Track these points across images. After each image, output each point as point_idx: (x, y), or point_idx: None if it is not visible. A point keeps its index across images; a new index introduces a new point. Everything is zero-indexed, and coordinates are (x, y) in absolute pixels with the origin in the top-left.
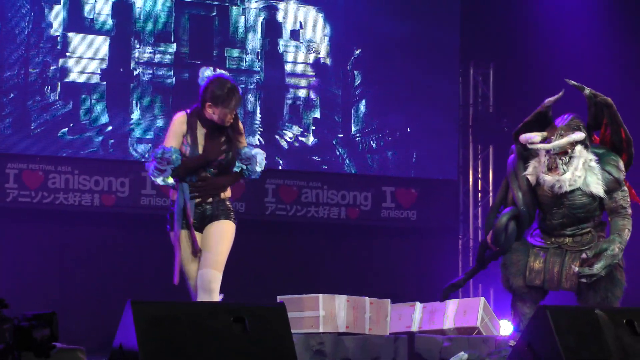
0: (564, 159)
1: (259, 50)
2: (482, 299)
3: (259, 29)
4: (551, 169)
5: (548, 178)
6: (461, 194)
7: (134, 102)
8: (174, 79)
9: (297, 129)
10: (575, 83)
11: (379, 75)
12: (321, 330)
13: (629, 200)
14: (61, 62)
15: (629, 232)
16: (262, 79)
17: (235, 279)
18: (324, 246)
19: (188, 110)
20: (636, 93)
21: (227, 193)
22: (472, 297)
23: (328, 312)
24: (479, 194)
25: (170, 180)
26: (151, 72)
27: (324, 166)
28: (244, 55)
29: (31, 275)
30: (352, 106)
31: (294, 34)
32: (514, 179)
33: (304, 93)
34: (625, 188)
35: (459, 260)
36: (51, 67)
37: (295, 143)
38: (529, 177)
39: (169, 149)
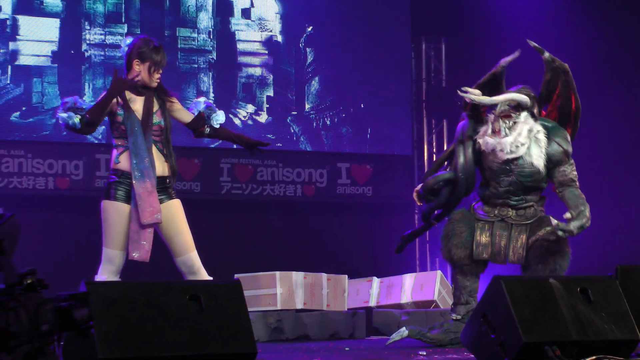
0: (508, 122)
1: (211, 30)
2: (439, 272)
3: (210, 8)
4: (495, 132)
5: (490, 140)
6: (416, 168)
7: (86, 84)
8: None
9: (250, 108)
10: (536, 45)
11: (332, 52)
12: (279, 307)
13: (576, 174)
14: (11, 45)
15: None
16: (215, 58)
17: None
18: (281, 224)
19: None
20: (588, 65)
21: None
22: (429, 270)
23: (285, 290)
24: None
25: (77, 120)
26: (102, 53)
27: (278, 144)
28: (195, 35)
29: None
30: (305, 83)
31: (245, 13)
32: (459, 145)
33: (257, 71)
34: (573, 162)
35: None
36: (1, 51)
37: (250, 122)
38: (478, 140)
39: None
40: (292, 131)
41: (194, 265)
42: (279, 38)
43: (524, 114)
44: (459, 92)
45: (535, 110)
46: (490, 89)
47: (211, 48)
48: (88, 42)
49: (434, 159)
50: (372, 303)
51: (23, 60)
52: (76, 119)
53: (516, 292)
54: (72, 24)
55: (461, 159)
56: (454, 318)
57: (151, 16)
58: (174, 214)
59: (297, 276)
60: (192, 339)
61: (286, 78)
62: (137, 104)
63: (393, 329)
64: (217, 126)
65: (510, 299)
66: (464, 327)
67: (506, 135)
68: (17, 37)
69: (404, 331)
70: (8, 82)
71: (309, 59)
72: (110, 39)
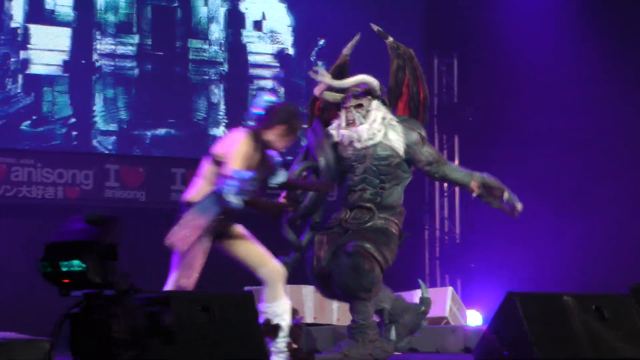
0: (361, 111)
1: (222, 41)
2: (450, 288)
3: (221, 19)
4: (349, 123)
5: (346, 132)
6: (427, 184)
7: (97, 94)
8: (136, 70)
9: None
10: (380, 29)
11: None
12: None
13: (433, 150)
14: (22, 54)
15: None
16: (226, 70)
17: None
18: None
19: (247, 131)
20: (601, 84)
21: None
22: (439, 286)
23: (295, 303)
24: (445, 184)
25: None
26: (113, 63)
27: (289, 157)
28: (207, 47)
29: None
30: None
31: (257, 25)
32: (319, 149)
33: (268, 84)
34: (427, 144)
35: (425, 251)
36: (12, 59)
37: None
38: (331, 131)
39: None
40: (303, 144)
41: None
42: (291, 51)
43: (375, 102)
44: (310, 73)
45: (386, 99)
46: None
47: (222, 60)
48: (99, 52)
49: None
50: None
51: (34, 69)
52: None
53: (530, 309)
54: (84, 33)
55: (322, 162)
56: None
57: (162, 27)
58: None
59: (307, 289)
60: (204, 349)
61: (297, 91)
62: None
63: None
64: (275, 186)
65: (524, 316)
66: (477, 343)
67: (361, 124)
68: (28, 45)
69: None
70: (19, 90)
71: None
72: (121, 49)
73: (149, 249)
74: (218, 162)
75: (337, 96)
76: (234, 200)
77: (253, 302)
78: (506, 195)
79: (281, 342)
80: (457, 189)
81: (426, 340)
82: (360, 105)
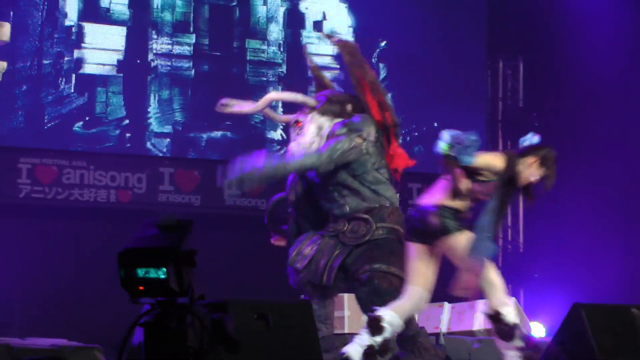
0: (297, 129)
1: (281, 42)
2: (513, 299)
3: (280, 19)
4: (291, 141)
5: (289, 149)
6: None
7: (152, 94)
8: (193, 71)
9: None
10: (322, 33)
11: (405, 68)
12: (346, 330)
13: (337, 144)
14: (76, 53)
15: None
16: (284, 71)
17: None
18: None
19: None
20: None
21: None
22: None
23: (354, 312)
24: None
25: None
26: (169, 63)
27: None
28: (265, 47)
29: (45, 273)
30: None
31: (317, 25)
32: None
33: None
34: (344, 137)
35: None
36: (65, 59)
37: None
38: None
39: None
40: None
41: None
42: None
43: (310, 115)
44: (217, 108)
45: (349, 108)
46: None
47: (281, 61)
48: (155, 51)
49: None
50: (443, 329)
51: (87, 69)
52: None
53: (596, 321)
54: (139, 32)
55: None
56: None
57: (220, 26)
58: None
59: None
60: (263, 357)
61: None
62: None
63: (463, 356)
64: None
65: (591, 328)
66: (541, 356)
67: (294, 140)
68: (83, 44)
69: None
70: (72, 91)
71: (382, 74)
72: (177, 49)
73: (203, 254)
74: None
75: (284, 118)
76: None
77: (311, 310)
78: None
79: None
80: (520, 197)
81: (488, 352)
82: (297, 122)
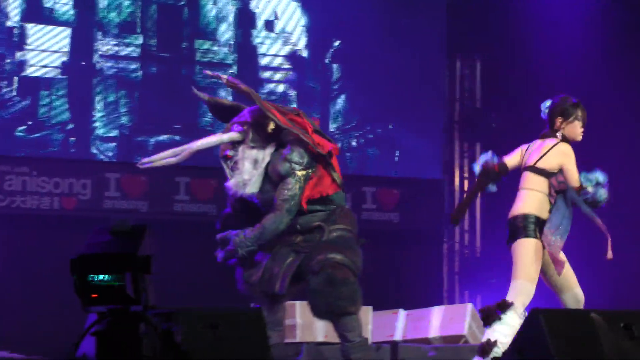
0: (229, 163)
1: (232, 42)
2: (470, 305)
3: (231, 19)
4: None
5: (228, 185)
6: (446, 194)
7: (97, 97)
8: (140, 72)
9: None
10: (211, 73)
11: (360, 69)
12: (298, 339)
13: (289, 192)
14: (18, 55)
15: (266, 229)
16: (235, 72)
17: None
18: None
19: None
20: (625, 87)
21: None
22: (459, 303)
23: (305, 320)
24: (465, 195)
25: None
26: (116, 65)
27: None
28: (215, 48)
29: None
30: (330, 101)
31: (269, 25)
32: None
33: (280, 88)
34: (291, 180)
35: (443, 265)
36: (7, 61)
37: None
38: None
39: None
40: None
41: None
42: (304, 52)
43: (240, 148)
44: (139, 165)
45: (272, 126)
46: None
47: (232, 62)
48: (100, 53)
49: (465, 185)
50: (398, 336)
51: (30, 71)
52: None
53: (555, 327)
54: (84, 33)
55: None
56: None
57: (168, 27)
58: None
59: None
60: None
61: (310, 95)
62: None
63: None
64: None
65: (549, 334)
66: None
67: (232, 177)
68: (25, 46)
69: None
70: (14, 94)
71: (336, 75)
72: (124, 50)
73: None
74: (548, 174)
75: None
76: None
77: (261, 318)
78: None
79: None
80: (478, 200)
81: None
82: (226, 156)
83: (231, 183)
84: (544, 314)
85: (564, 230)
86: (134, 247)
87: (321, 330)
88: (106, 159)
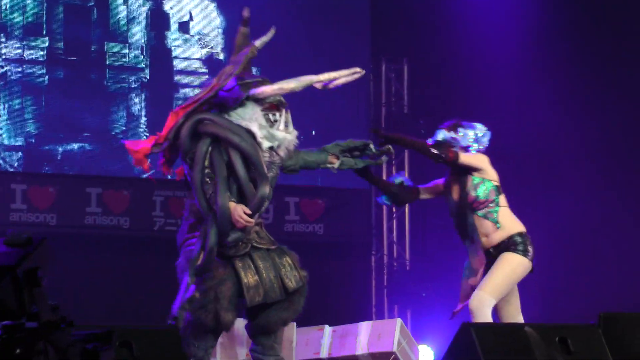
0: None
1: (144, 45)
2: (399, 320)
3: (143, 20)
4: (287, 126)
5: (289, 136)
6: (373, 204)
7: (1, 104)
8: (46, 77)
9: None
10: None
11: (281, 72)
12: (218, 359)
13: None
14: None
15: None
16: (148, 77)
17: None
18: None
19: None
20: (551, 86)
21: None
22: (387, 318)
23: (226, 339)
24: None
25: None
26: (20, 70)
27: None
28: (126, 51)
29: None
30: None
31: (183, 26)
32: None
33: (196, 92)
34: None
35: (372, 279)
36: None
37: None
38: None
39: None
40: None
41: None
42: (221, 55)
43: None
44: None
45: None
46: None
47: (144, 66)
48: (4, 56)
49: None
50: (324, 354)
51: None
52: None
53: (488, 341)
54: None
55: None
56: None
57: (76, 29)
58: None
59: (239, 324)
60: None
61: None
62: None
63: None
64: None
65: (481, 349)
66: None
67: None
68: None
69: None
70: None
71: None
72: (29, 54)
73: (63, 276)
74: None
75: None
76: None
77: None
78: (370, 146)
79: None
80: (407, 210)
81: None
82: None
83: (291, 137)
84: (475, 328)
85: None
86: (20, 258)
87: (242, 350)
88: (12, 169)
